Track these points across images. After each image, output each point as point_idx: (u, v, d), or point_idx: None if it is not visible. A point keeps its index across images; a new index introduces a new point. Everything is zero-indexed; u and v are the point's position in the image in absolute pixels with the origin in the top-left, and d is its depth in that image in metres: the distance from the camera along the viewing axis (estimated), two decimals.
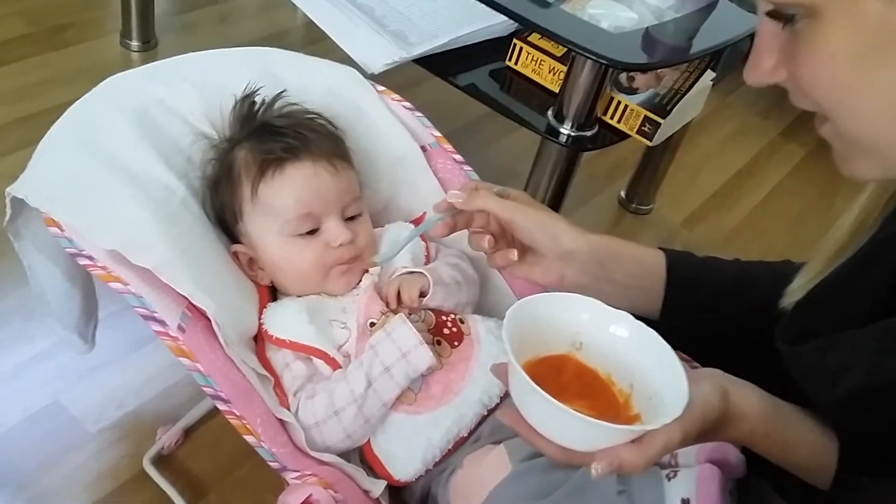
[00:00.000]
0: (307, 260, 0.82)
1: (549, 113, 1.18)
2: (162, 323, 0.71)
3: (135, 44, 1.81)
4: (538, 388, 0.54)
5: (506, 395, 0.78)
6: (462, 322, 0.82)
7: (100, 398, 1.12)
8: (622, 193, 1.77)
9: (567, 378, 0.63)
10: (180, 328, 0.72)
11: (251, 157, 0.83)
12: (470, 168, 0.94)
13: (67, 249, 0.74)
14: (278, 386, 0.79)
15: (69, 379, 1.13)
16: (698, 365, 0.77)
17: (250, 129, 0.85)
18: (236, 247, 0.85)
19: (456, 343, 0.79)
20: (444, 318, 0.82)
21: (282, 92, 0.89)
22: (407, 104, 0.98)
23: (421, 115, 0.96)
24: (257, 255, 0.85)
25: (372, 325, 0.80)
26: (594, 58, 1.01)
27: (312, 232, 0.82)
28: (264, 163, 0.81)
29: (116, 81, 0.88)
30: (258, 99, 0.87)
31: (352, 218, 0.84)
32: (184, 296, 0.73)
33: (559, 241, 0.74)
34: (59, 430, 1.07)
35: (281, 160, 0.81)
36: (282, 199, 0.81)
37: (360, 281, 0.85)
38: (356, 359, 0.77)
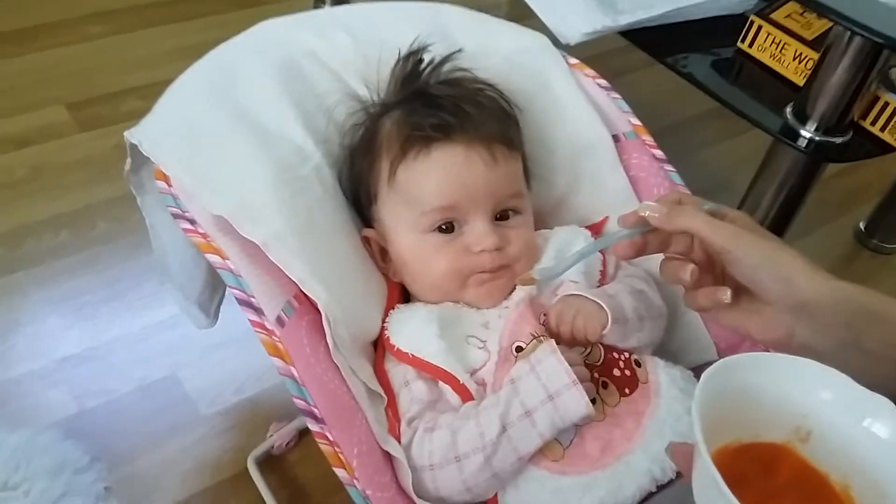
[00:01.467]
0: (441, 263, 0.69)
1: (788, 110, 0.98)
2: (258, 311, 0.61)
3: (328, 6, 1.76)
4: (734, 498, 0.38)
5: None
6: (638, 365, 0.66)
7: (219, 378, 1.06)
8: (861, 225, 1.53)
9: (781, 481, 0.47)
10: (279, 321, 0.61)
11: (396, 129, 0.71)
12: (672, 168, 0.79)
13: (169, 208, 0.65)
14: (392, 407, 0.66)
15: (191, 352, 1.09)
16: None
17: (405, 95, 0.73)
18: (368, 231, 0.73)
19: (627, 391, 0.64)
20: (615, 355, 0.66)
21: (455, 52, 0.76)
22: (603, 82, 0.84)
23: (619, 96, 0.84)
24: (388, 247, 0.72)
25: (518, 350, 0.65)
26: (868, 34, 0.78)
27: (452, 230, 0.69)
28: (409, 140, 0.69)
29: (266, 27, 0.79)
30: (426, 57, 0.75)
31: (506, 219, 0.71)
32: (294, 282, 0.63)
33: (793, 286, 0.54)
34: (171, 406, 1.03)
35: (428, 139, 0.68)
36: (421, 186, 0.69)
37: (511, 292, 0.70)
38: (493, 391, 0.64)
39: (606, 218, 0.79)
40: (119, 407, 1.01)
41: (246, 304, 0.61)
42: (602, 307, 0.64)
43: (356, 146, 0.74)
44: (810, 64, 1.01)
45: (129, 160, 0.72)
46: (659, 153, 0.80)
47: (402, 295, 0.74)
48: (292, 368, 0.60)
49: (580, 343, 0.65)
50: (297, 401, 0.59)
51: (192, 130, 0.69)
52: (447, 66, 0.75)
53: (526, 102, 0.78)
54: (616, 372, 0.65)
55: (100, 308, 1.12)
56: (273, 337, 0.60)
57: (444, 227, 0.69)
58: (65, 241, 1.20)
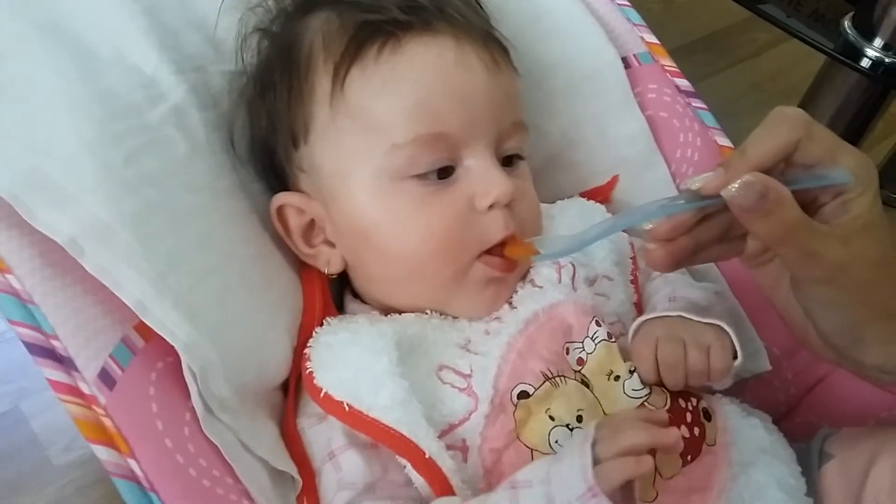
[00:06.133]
0: (434, 228, 0.47)
1: (846, 24, 0.82)
2: (64, 362, 0.39)
3: None
4: None
5: None
6: (708, 418, 0.47)
7: None
8: None
9: None
10: (105, 376, 0.39)
11: (338, 22, 0.49)
12: (703, 105, 0.64)
13: None
14: (309, 493, 0.44)
15: (43, 378, 0.85)
16: None
17: None
18: (286, 197, 0.50)
19: (689, 457, 0.46)
20: (682, 402, 0.47)
21: None
22: None
23: (627, 3, 0.67)
24: (326, 214, 0.49)
25: (523, 396, 0.45)
26: None
27: (443, 175, 0.48)
28: (363, 30, 0.47)
29: None
30: None
31: (509, 163, 0.51)
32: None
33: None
34: (11, 453, 0.81)
35: (398, 27, 0.47)
36: (390, 102, 0.47)
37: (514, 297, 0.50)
38: (479, 458, 0.44)
39: (615, 178, 0.62)
40: None
41: (41, 350, 0.38)
42: (722, 329, 0.47)
43: (264, 64, 0.51)
44: None
45: None
46: (684, 83, 0.64)
47: (330, 300, 0.51)
48: (132, 462, 0.37)
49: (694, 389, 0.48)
50: None
51: None
52: None
53: (506, 17, 0.59)
54: (683, 430, 0.46)
55: None
56: (93, 408, 0.38)
57: (431, 171, 0.47)
58: None
